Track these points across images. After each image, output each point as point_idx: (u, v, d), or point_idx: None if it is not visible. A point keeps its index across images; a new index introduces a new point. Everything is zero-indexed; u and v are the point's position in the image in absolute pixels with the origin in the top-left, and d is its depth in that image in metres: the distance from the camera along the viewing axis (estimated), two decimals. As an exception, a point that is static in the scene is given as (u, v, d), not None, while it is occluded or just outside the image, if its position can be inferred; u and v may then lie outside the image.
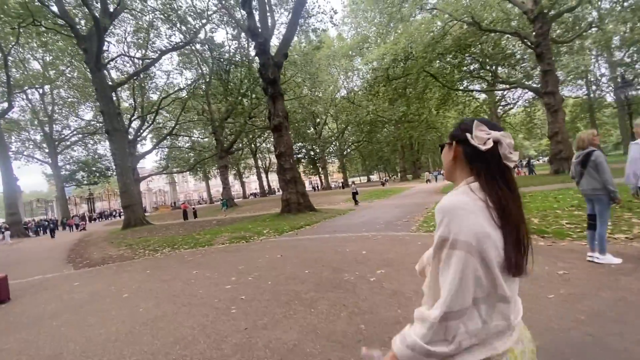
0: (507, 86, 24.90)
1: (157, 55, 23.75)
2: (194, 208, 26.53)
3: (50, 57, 32.65)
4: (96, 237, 17.27)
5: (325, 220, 12.14)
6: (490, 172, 0.92)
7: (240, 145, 40.03)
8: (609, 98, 46.39)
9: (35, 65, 34.10)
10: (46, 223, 30.42)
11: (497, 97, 43.38)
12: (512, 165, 0.94)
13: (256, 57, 25.48)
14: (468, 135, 0.94)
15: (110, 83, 21.18)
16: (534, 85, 22.84)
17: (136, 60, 27.18)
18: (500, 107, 45.15)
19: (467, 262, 0.83)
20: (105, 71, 21.70)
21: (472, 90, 27.80)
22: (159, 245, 10.35)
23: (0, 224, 36.39)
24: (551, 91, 19.20)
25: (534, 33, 19.61)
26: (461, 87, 25.99)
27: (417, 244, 6.20)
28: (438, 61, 23.11)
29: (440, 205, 0.90)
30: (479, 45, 22.54)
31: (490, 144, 0.91)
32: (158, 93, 34.20)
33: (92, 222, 43.19)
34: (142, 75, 28.83)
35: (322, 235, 8.78)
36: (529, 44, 19.88)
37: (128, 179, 20.01)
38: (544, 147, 78.65)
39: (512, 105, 45.02)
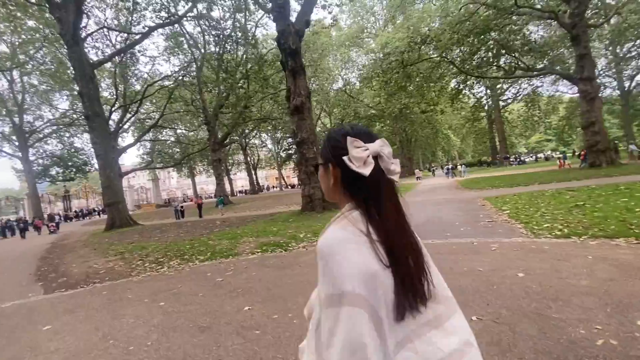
0: (534, 73, 23.14)
1: (144, 31, 20.78)
2: (181, 207, 23.66)
3: (19, 40, 29.13)
4: (74, 241, 14.48)
5: (365, 220, 9.95)
6: (373, 196, 0.77)
7: (232, 138, 37.20)
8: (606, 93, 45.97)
9: (2, 48, 30.37)
10: (14, 223, 26.91)
11: (499, 91, 42.26)
12: (396, 178, 0.80)
13: (256, 36, 23.04)
14: (345, 159, 0.77)
15: (90, 61, 18.13)
16: (565, 72, 21.23)
17: (119, 39, 24.02)
18: (502, 101, 44.13)
19: (359, 320, 0.67)
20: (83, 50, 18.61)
21: (493, 77, 25.98)
22: (162, 254, 7.86)
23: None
24: (588, 77, 17.60)
25: (567, 14, 18.01)
26: (476, 74, 24.11)
27: (587, 259, 4.06)
28: (458, 45, 21.09)
29: (319, 245, 0.74)
30: (504, 28, 20.65)
31: (371, 163, 0.76)
32: (142, 82, 31.09)
33: (69, 221, 39.51)
34: (125, 58, 25.71)
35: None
36: (564, 25, 18.18)
37: (112, 173, 17.20)
38: (533, 144, 78.79)
39: (511, 100, 44.00)
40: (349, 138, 0.77)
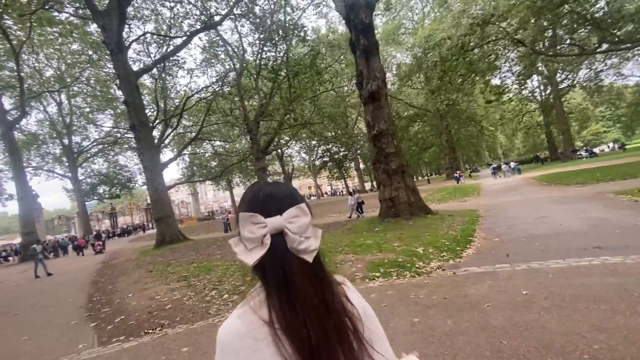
0: (629, 45, 19.63)
1: (187, 35, 19.92)
2: (227, 219, 22.34)
3: (65, 65, 29.98)
4: (125, 260, 13.28)
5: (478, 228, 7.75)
6: (274, 280, 0.62)
7: (275, 145, 35.94)
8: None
9: (50, 72, 31.33)
10: (68, 242, 26.84)
11: (562, 77, 38.13)
12: (309, 258, 0.63)
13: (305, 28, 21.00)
14: (231, 242, 0.65)
15: (134, 70, 17.35)
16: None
17: (160, 51, 23.54)
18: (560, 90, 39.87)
19: None
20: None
21: (575, 55, 22.54)
22: (240, 280, 6.08)
23: (4, 245, 33.41)
24: None
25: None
26: (551, 53, 21.07)
27: None
28: (534, 19, 18.32)
29: (217, 335, 0.62)
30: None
31: (265, 246, 0.61)
32: (180, 95, 31.02)
33: (115, 238, 39.99)
34: (166, 68, 25.34)
35: (575, 261, 4.33)
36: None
37: (160, 185, 16.09)
38: (590, 136, 71.72)
39: (569, 88, 39.54)
40: (241, 215, 0.63)
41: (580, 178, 15.51)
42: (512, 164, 30.38)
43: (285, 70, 19.32)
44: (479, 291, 3.79)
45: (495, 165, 39.73)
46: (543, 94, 44.89)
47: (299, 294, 0.61)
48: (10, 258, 26.05)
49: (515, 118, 48.92)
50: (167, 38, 21.60)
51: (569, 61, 27.18)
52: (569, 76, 37.80)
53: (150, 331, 4.45)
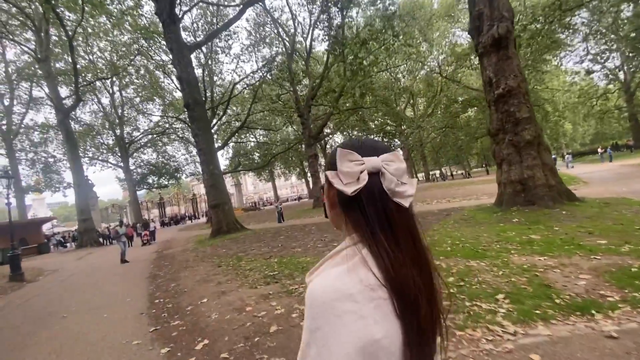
0: None
1: (242, 2, 18.35)
2: (281, 209, 20.70)
3: (117, 56, 30.05)
4: (182, 250, 11.93)
5: None
6: (371, 224, 0.58)
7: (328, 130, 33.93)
8: None
9: (101, 64, 31.64)
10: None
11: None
12: (406, 203, 0.59)
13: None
14: (329, 174, 0.62)
15: (187, 44, 16.03)
16: None
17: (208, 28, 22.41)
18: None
19: None
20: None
21: None
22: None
23: (63, 232, 34.56)
24: None
25: None
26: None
27: None
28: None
29: (312, 292, 0.55)
30: None
31: (363, 180, 0.58)
32: (227, 83, 30.27)
33: (165, 226, 40.46)
34: (212, 51, 24.27)
35: None
36: None
37: (216, 169, 14.66)
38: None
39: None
40: (339, 150, 0.60)
41: None
42: (600, 150, 26.20)
43: (345, 41, 17.01)
44: None
45: (554, 156, 35.69)
46: (626, 72, 39.16)
47: (403, 237, 0.57)
48: (67, 244, 26.52)
49: (588, 101, 43.33)
50: (219, 9, 20.30)
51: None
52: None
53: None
